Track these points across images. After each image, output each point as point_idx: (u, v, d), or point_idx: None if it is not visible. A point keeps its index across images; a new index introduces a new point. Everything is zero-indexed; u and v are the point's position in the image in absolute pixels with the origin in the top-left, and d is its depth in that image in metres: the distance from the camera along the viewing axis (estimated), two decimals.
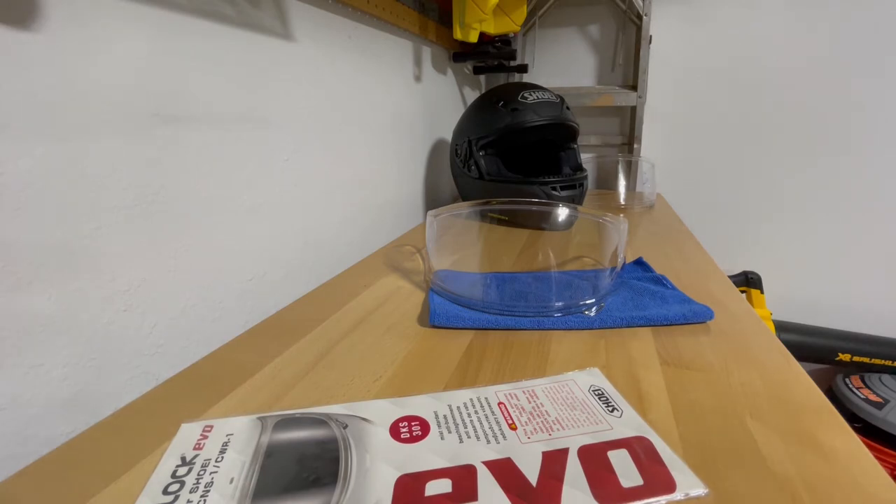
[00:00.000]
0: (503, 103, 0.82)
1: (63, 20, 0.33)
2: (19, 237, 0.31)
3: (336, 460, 0.26)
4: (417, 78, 0.94)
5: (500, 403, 0.32)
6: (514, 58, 1.14)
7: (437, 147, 1.06)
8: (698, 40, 1.29)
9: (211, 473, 0.26)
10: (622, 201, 1.07)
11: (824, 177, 1.29)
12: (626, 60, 1.34)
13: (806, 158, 1.24)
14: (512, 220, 0.83)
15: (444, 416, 0.31)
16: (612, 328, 0.44)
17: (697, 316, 0.45)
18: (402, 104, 0.88)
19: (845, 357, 1.29)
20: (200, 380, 0.36)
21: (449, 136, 0.96)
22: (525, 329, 0.44)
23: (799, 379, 0.35)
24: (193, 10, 0.43)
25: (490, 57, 1.12)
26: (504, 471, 0.26)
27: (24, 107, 0.31)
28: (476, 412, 0.31)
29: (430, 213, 0.50)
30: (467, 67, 1.25)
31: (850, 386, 1.24)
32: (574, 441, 0.28)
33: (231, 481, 0.25)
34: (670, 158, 1.33)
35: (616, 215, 0.47)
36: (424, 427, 0.30)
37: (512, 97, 0.82)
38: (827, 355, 1.31)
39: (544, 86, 0.87)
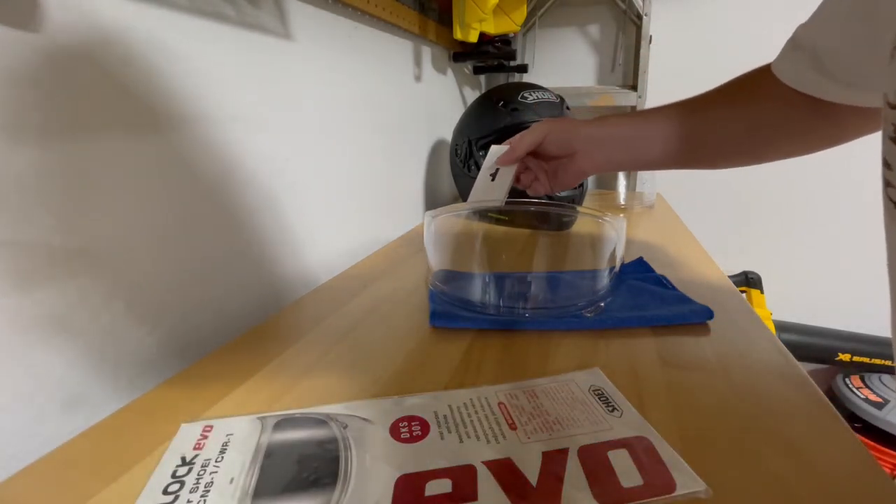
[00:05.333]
0: (503, 103, 0.82)
1: (63, 20, 0.33)
2: (20, 236, 0.31)
3: (336, 460, 0.26)
4: (417, 78, 0.94)
5: (500, 403, 0.32)
6: (514, 58, 1.14)
7: (437, 147, 1.06)
8: (698, 40, 1.29)
9: (211, 473, 0.26)
10: (622, 201, 1.07)
11: (824, 176, 1.29)
12: (626, 60, 1.34)
13: (806, 158, 1.23)
14: (511, 220, 0.83)
15: (444, 416, 0.31)
16: (612, 328, 0.44)
17: (697, 316, 0.45)
18: (402, 104, 0.88)
19: (845, 357, 1.30)
20: (200, 380, 0.36)
21: (449, 136, 0.96)
22: (525, 329, 0.44)
23: (799, 379, 0.35)
24: (193, 9, 0.43)
25: (490, 57, 1.12)
26: (504, 471, 0.26)
27: (27, 107, 0.31)
28: (476, 412, 0.31)
29: (428, 213, 0.50)
30: (467, 67, 1.25)
31: (850, 386, 1.24)
32: (574, 441, 0.28)
33: (231, 481, 0.25)
34: None
35: (616, 215, 0.47)
36: (424, 427, 0.30)
37: (512, 97, 0.82)
38: (827, 355, 1.31)
39: (544, 86, 0.87)
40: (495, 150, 0.54)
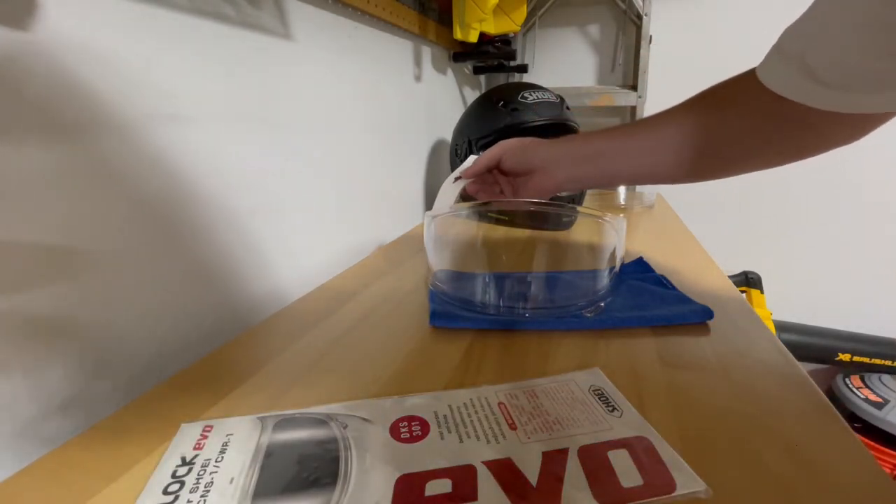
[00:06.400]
0: (503, 103, 0.82)
1: (60, 20, 0.33)
2: (21, 237, 0.31)
3: (336, 460, 0.26)
4: (417, 78, 0.94)
5: (500, 403, 0.32)
6: (514, 58, 1.14)
7: (437, 147, 1.06)
8: (698, 40, 1.29)
9: (211, 473, 0.26)
10: (622, 201, 1.07)
11: (824, 177, 1.29)
12: (626, 60, 1.34)
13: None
14: (511, 220, 0.83)
15: (444, 416, 0.31)
16: (612, 328, 0.44)
17: (697, 316, 0.45)
18: (403, 104, 0.88)
19: (845, 357, 1.30)
20: (200, 380, 0.36)
21: (449, 136, 0.96)
22: (525, 329, 0.44)
23: (799, 379, 0.35)
24: (193, 10, 0.43)
25: (490, 57, 1.12)
26: (504, 471, 0.26)
27: (29, 107, 0.31)
28: (476, 412, 0.31)
29: (428, 213, 0.50)
30: (467, 67, 1.25)
31: (850, 386, 1.24)
32: (574, 441, 0.28)
33: (231, 481, 0.25)
34: None
35: (615, 215, 0.47)
36: (424, 427, 0.30)
37: (512, 97, 0.82)
38: (827, 355, 1.31)
39: (544, 86, 0.87)
40: (471, 161, 0.57)
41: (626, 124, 0.49)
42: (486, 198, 0.57)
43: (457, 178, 0.57)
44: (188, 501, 0.24)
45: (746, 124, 0.41)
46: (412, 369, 0.37)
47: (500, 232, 0.79)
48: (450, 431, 0.29)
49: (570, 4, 1.33)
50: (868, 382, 1.24)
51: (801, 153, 0.41)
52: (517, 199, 0.57)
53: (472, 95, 1.29)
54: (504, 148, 0.53)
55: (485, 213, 0.84)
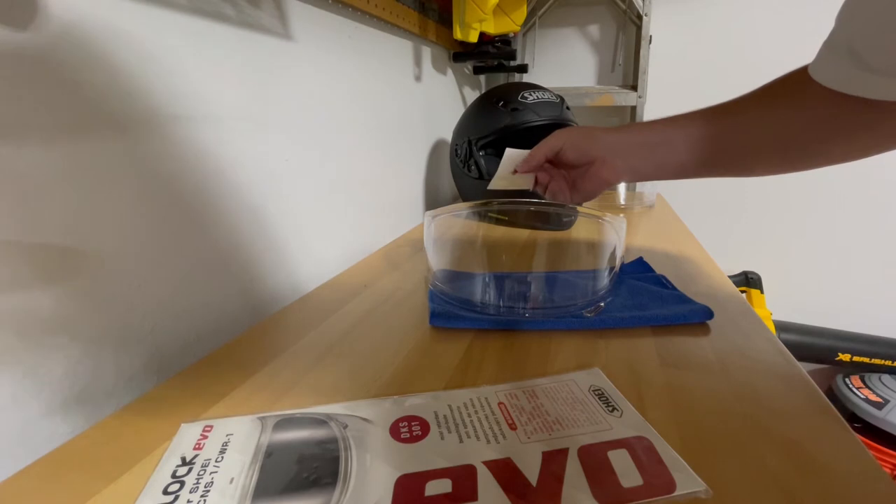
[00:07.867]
0: (503, 103, 0.82)
1: (61, 20, 0.33)
2: (21, 236, 0.31)
3: (336, 460, 0.26)
4: (417, 78, 0.94)
5: (500, 403, 0.32)
6: (514, 58, 1.14)
7: (437, 147, 1.06)
8: (698, 40, 1.29)
9: (211, 473, 0.26)
10: (622, 201, 1.07)
11: (824, 176, 1.29)
12: (626, 60, 1.34)
13: None
14: (511, 220, 0.83)
15: (444, 416, 0.31)
16: (612, 328, 0.44)
17: (697, 316, 0.45)
18: (402, 104, 0.88)
19: (845, 357, 1.30)
20: (200, 380, 0.36)
21: (449, 136, 0.96)
22: (525, 329, 0.44)
23: (799, 379, 0.35)
24: (193, 9, 0.43)
25: (490, 57, 1.12)
26: (504, 471, 0.26)
27: (33, 107, 0.31)
28: (476, 412, 0.31)
29: (428, 213, 0.50)
30: (467, 67, 1.25)
31: (850, 386, 1.24)
32: (574, 441, 0.28)
33: (231, 481, 0.25)
34: None
35: (616, 215, 0.47)
36: (424, 427, 0.30)
37: (512, 97, 0.82)
38: (827, 355, 1.31)
39: (544, 86, 0.87)
40: (509, 155, 0.54)
41: (685, 113, 0.46)
42: (555, 187, 0.53)
43: (514, 171, 0.53)
44: (188, 501, 0.24)
45: (811, 117, 0.39)
46: (412, 369, 0.37)
47: (500, 232, 0.79)
48: (450, 431, 0.29)
49: (570, 4, 1.33)
50: (868, 382, 1.24)
51: (866, 149, 0.39)
52: (517, 199, 0.56)
53: (472, 95, 1.29)
54: (563, 138, 0.50)
55: (485, 213, 0.84)
